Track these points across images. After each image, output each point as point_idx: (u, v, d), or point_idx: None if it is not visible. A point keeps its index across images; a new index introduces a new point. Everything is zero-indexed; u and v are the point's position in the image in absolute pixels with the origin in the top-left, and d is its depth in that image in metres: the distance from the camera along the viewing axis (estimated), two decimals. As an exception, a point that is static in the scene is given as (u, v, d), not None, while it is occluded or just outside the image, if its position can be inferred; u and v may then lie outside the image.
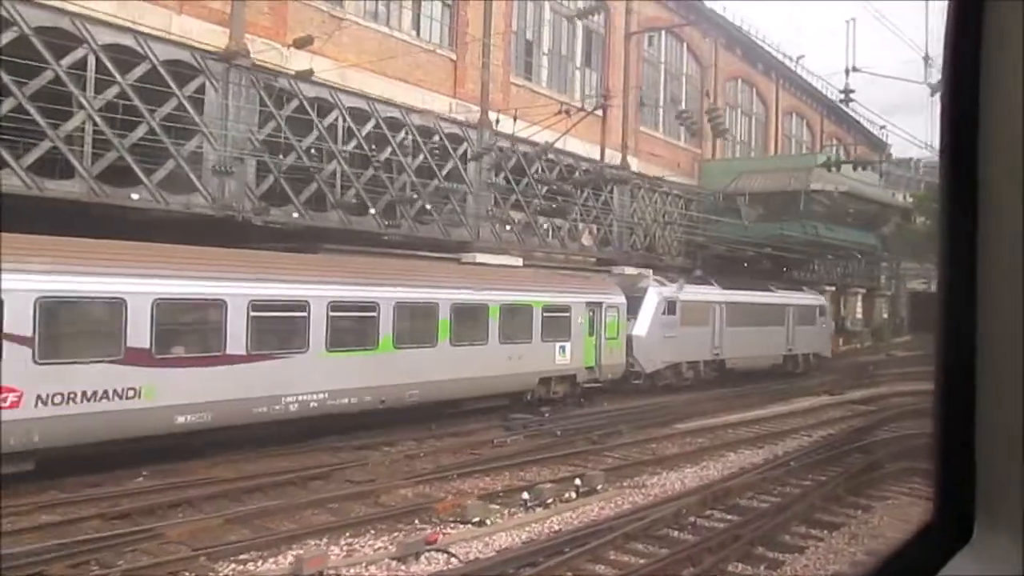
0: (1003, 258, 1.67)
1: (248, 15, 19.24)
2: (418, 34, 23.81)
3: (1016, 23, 1.65)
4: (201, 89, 18.19)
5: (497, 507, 11.66)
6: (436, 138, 23.47)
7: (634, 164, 32.15)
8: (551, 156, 27.57)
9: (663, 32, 34.25)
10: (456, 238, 24.16)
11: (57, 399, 11.90)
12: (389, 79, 22.31)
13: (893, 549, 1.93)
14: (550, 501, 11.84)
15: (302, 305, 15.36)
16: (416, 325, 17.70)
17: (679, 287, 26.44)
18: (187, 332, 13.93)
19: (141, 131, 16.93)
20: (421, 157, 22.91)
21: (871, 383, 30.28)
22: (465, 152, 24.50)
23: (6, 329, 11.34)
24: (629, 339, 24.10)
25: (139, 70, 16.92)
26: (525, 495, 11.81)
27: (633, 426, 19.03)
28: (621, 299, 24.03)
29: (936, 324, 1.84)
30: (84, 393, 12.18)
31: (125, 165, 16.89)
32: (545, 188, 27.41)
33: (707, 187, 35.39)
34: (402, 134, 22.37)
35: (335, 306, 15.92)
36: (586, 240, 30.31)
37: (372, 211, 20.98)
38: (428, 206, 22.94)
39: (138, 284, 12.99)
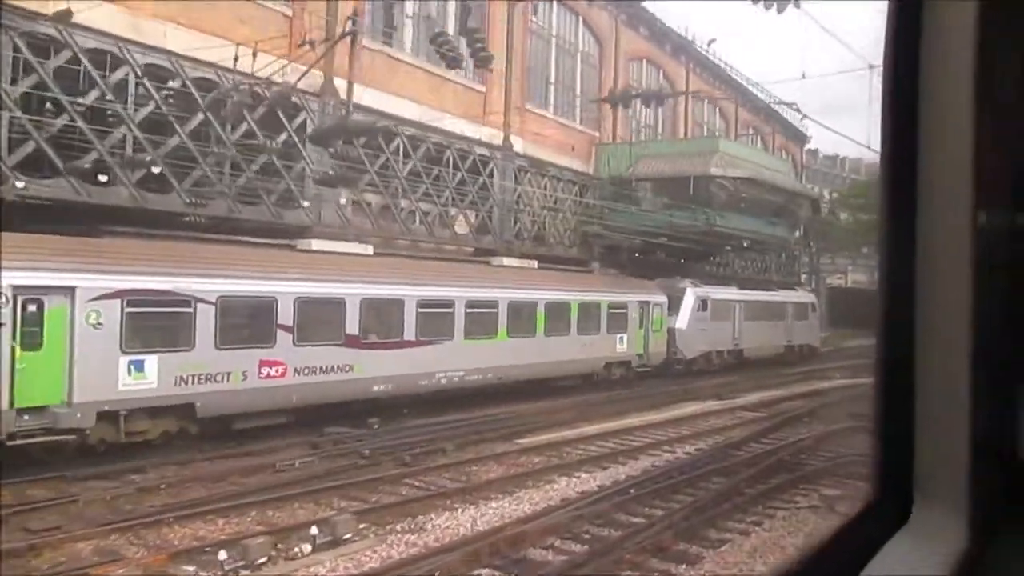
0: (941, 254, 1.81)
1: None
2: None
3: (955, 23, 1.77)
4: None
5: (192, 569, 8.61)
6: (261, 108, 20.23)
7: (519, 145, 29.29)
8: (413, 132, 24.61)
9: (553, 2, 31.42)
10: (291, 221, 20.94)
11: (305, 371, 16.49)
12: (205, 34, 19.05)
13: (835, 529, 2.00)
14: (263, 560, 8.81)
15: (451, 303, 20.14)
16: (521, 319, 22.38)
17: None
18: (379, 323, 18.39)
19: None
20: (244, 127, 19.64)
21: (773, 384, 27.96)
22: (304, 123, 21.30)
23: (279, 321, 16.00)
24: (671, 331, 28.89)
25: None
26: (222, 554, 8.73)
27: (466, 441, 16.12)
28: (663, 298, 28.93)
29: (878, 316, 1.94)
30: (320, 367, 16.81)
31: None
32: (408, 167, 24.42)
33: (603, 172, 32.73)
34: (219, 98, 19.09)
35: (470, 304, 20.67)
36: (460, 227, 27.34)
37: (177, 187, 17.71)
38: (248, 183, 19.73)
39: (352, 288, 17.71)
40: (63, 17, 15.42)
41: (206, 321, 14.72)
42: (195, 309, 14.63)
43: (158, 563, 8.51)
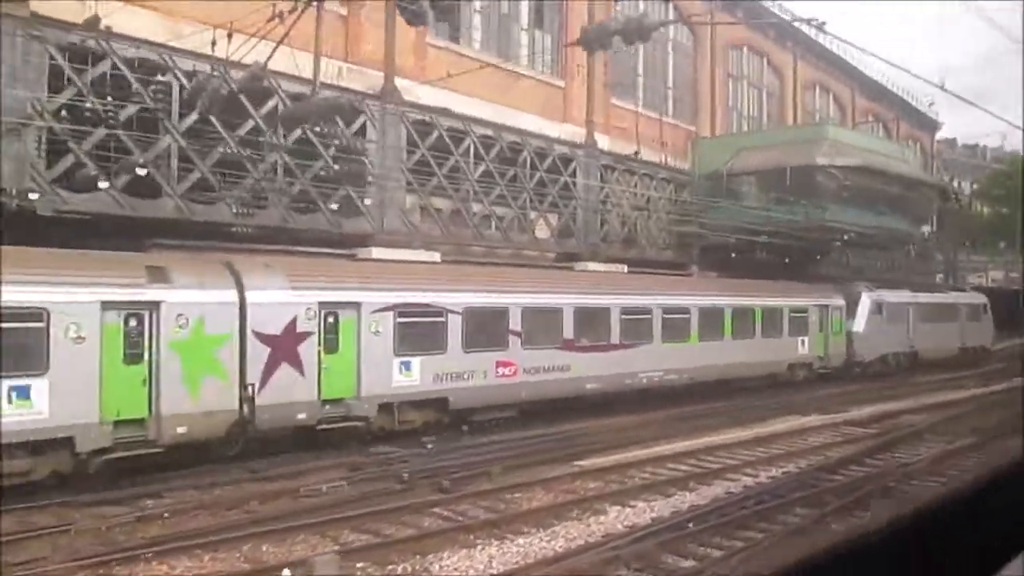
0: None
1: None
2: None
3: None
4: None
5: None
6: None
7: (604, 142, 27.59)
8: (489, 133, 23.36)
9: (640, -12, 29.59)
10: (351, 230, 20.05)
11: (532, 370, 18.72)
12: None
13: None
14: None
15: (649, 310, 22.07)
16: (709, 324, 23.75)
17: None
18: (589, 328, 20.23)
19: None
20: (298, 132, 18.87)
21: (895, 395, 25.04)
22: (363, 127, 20.39)
23: (511, 327, 18.33)
24: (849, 335, 29.25)
25: None
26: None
27: (519, 463, 14.58)
28: (841, 302, 29.27)
29: None
30: (544, 367, 18.97)
31: None
32: (480, 169, 23.18)
33: (702, 168, 30.56)
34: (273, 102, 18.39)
35: (666, 310, 22.50)
36: (541, 231, 25.89)
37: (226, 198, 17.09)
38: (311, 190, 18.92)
39: (567, 298, 19.92)
40: (92, 24, 14.98)
41: (455, 328, 17.35)
42: (447, 318, 17.25)
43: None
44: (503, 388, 18.18)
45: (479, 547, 9.89)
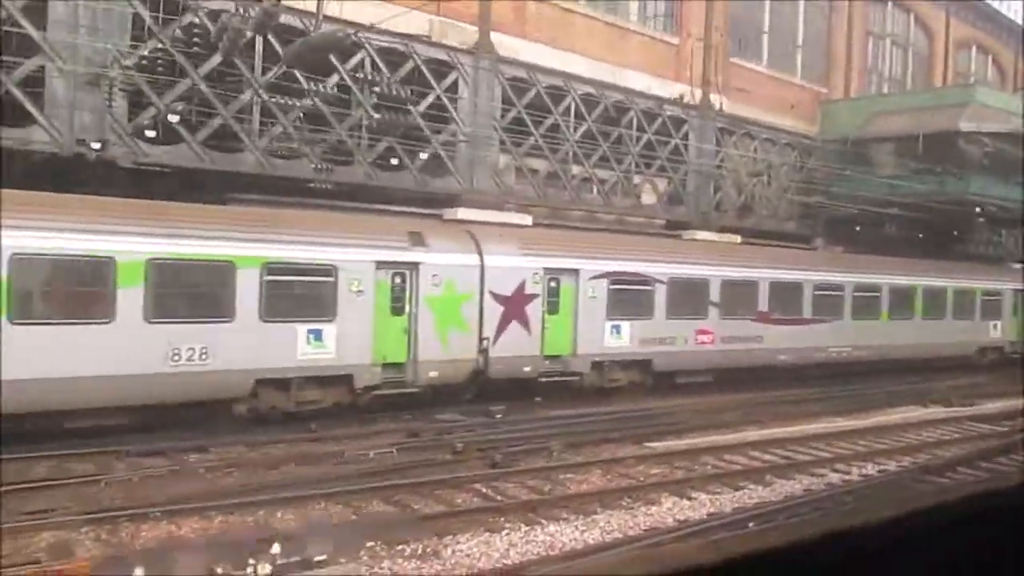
0: None
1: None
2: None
3: None
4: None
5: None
6: (405, 62, 18.77)
7: (722, 104, 25.76)
8: (592, 91, 22.15)
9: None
10: (438, 188, 19.44)
11: (728, 340, 19.82)
12: None
13: None
14: (192, 582, 7.13)
15: (841, 287, 22.54)
16: (902, 303, 24.18)
17: None
18: (783, 302, 21.02)
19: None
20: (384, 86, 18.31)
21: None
22: (455, 83, 19.65)
23: (712, 298, 19.55)
24: None
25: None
26: (138, 571, 7.10)
27: (586, 440, 13.65)
28: None
29: None
30: (739, 336, 20.05)
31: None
32: (581, 130, 22.03)
33: (830, 133, 28.15)
34: (359, 56, 17.92)
35: (857, 288, 22.86)
36: (648, 196, 24.51)
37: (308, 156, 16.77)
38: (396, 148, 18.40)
39: (763, 273, 20.91)
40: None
41: (661, 297, 18.60)
42: (654, 287, 18.52)
43: (76, 569, 7.11)
44: (701, 354, 19.42)
45: (504, 532, 9.07)
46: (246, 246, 13.24)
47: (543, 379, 17.00)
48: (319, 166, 16.93)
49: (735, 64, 26.45)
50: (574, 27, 22.07)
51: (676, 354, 18.87)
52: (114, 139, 14.91)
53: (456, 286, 15.61)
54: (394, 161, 18.92)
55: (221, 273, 12.98)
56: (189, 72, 15.63)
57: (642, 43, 23.85)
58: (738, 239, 24.81)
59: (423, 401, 15.49)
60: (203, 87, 15.86)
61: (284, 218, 14.72)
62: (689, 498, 10.74)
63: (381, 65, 18.17)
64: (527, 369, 16.66)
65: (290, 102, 16.82)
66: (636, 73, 23.30)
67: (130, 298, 12.04)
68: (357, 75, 17.71)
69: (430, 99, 18.98)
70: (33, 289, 11.64)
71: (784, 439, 14.44)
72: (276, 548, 7.69)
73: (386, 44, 18.17)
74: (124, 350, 11.86)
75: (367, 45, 17.81)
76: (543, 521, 9.50)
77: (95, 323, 11.86)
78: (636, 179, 23.89)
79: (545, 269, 16.88)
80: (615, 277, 17.86)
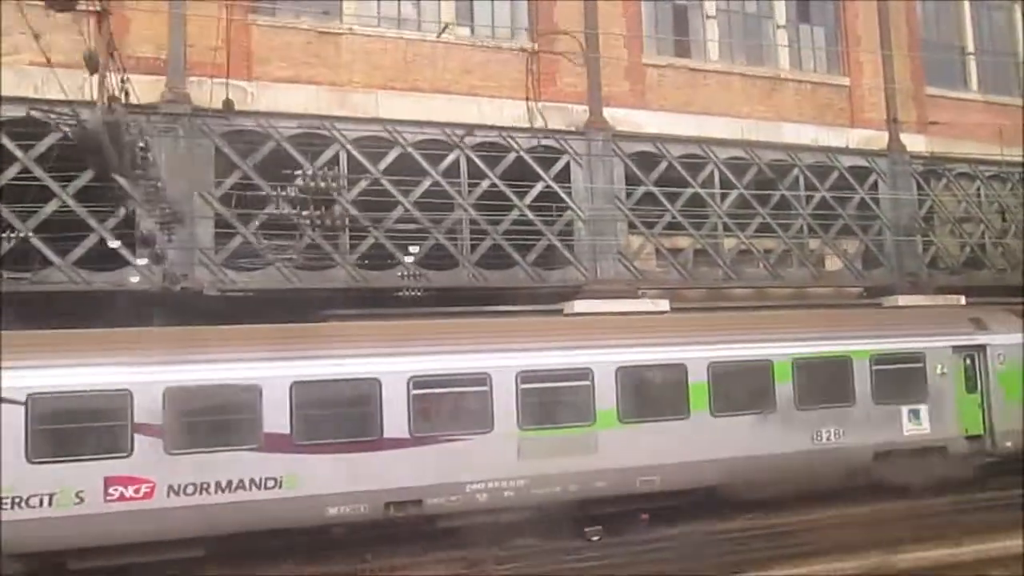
0: None
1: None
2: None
3: None
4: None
5: None
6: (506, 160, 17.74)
7: (919, 144, 21.75)
8: (740, 154, 19.68)
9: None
10: (556, 282, 17.88)
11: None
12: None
13: None
14: None
15: None
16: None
17: None
18: None
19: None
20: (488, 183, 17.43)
21: None
22: (568, 164, 18.28)
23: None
24: None
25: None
26: None
27: (709, 563, 11.04)
28: None
29: None
30: None
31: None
32: (731, 198, 19.49)
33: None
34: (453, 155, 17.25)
35: None
36: (832, 263, 20.96)
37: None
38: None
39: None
40: (228, 106, 15.24)
41: None
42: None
43: None
44: None
45: None
46: (856, 343, 16.53)
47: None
48: (404, 273, 16.25)
49: (934, 96, 22.41)
50: (708, 88, 19.90)
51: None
52: (201, 271, 15.32)
53: (1015, 362, 17.60)
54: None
55: (842, 366, 16.31)
56: (273, 197, 15.85)
57: (799, 90, 20.94)
58: (962, 300, 20.30)
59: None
60: (286, 210, 15.97)
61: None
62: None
63: (478, 162, 17.38)
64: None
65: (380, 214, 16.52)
66: (795, 124, 20.41)
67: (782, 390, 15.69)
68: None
69: (538, 189, 17.78)
70: None
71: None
72: None
73: (481, 139, 17.44)
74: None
75: (461, 145, 17.20)
76: None
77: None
78: (813, 244, 20.59)
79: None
80: None
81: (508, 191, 17.46)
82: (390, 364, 13.26)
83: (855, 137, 21.13)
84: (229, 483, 12.08)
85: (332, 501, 12.45)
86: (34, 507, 11.36)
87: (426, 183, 16.91)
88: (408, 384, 13.20)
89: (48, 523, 11.34)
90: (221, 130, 15.76)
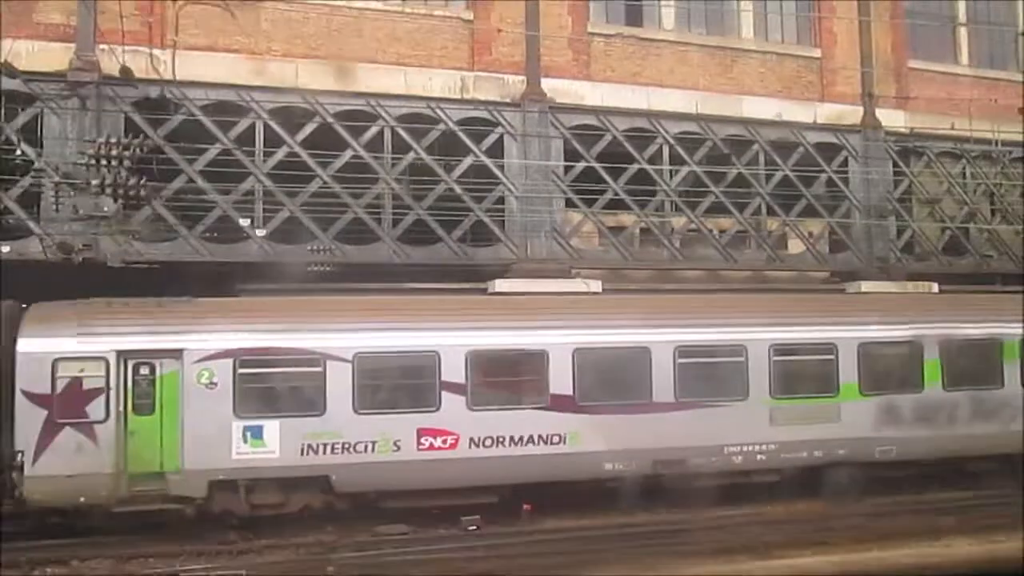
0: None
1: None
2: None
3: None
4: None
5: None
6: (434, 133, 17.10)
7: (898, 119, 20.40)
8: (693, 128, 18.72)
9: None
10: (482, 260, 17.27)
11: None
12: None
13: None
14: None
15: None
16: None
17: None
18: None
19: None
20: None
21: None
22: (501, 138, 17.58)
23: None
24: None
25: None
26: None
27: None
28: None
29: None
30: None
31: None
32: (681, 174, 18.58)
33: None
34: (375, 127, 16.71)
35: None
36: (795, 246, 19.87)
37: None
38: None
39: None
40: (126, 73, 14.93)
41: None
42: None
43: None
44: None
45: None
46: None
47: None
48: (316, 248, 15.84)
49: (918, 69, 20.98)
50: (660, 58, 18.93)
51: None
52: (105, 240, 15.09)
53: None
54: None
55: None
56: (184, 168, 15.56)
57: (763, 62, 19.79)
58: (935, 287, 19.10)
59: None
60: (199, 181, 15.68)
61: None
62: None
63: (404, 134, 16.80)
64: None
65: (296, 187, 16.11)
66: (757, 99, 19.32)
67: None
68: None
69: (467, 163, 17.13)
70: None
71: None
72: None
73: (407, 110, 16.86)
74: None
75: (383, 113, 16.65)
76: None
77: None
78: (773, 225, 19.53)
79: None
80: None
81: (434, 164, 16.88)
82: (658, 335, 14.58)
83: (825, 112, 19.93)
84: (521, 438, 13.69)
85: (608, 457, 13.88)
86: (360, 452, 13.09)
87: (346, 155, 16.42)
88: (674, 353, 14.51)
89: (371, 467, 13.10)
90: (131, 99, 15.47)
